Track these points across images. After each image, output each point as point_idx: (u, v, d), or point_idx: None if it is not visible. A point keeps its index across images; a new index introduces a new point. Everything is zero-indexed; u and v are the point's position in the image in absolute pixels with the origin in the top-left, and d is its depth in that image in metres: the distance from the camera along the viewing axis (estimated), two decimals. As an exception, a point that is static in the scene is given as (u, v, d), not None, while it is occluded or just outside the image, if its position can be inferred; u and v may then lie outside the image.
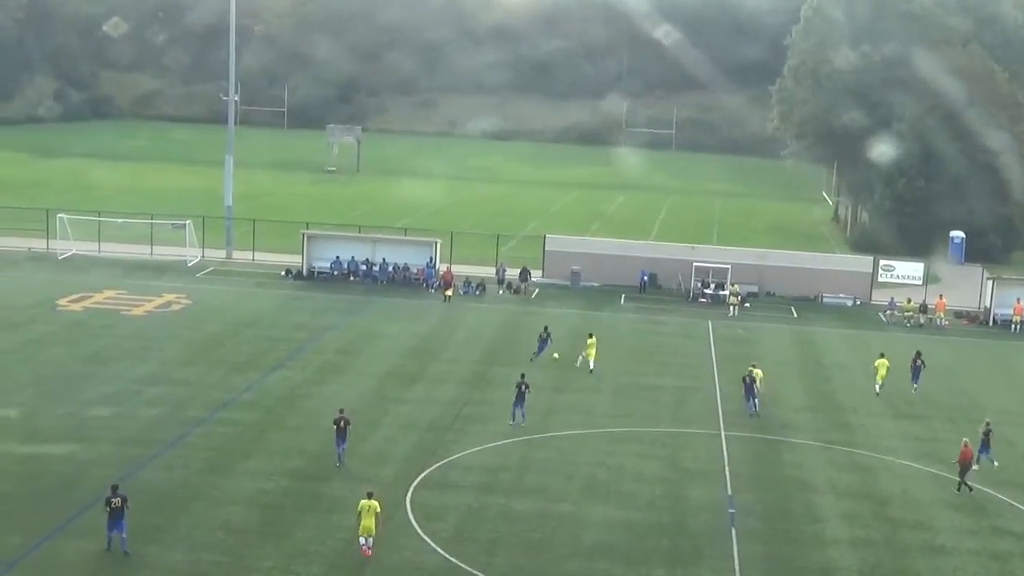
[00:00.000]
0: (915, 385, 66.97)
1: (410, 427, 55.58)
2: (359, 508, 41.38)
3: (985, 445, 53.67)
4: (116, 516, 40.35)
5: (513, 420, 56.83)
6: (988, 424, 54.68)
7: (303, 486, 47.39)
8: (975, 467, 52.31)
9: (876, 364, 66.80)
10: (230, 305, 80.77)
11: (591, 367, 67.00)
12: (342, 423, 50.06)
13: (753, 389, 60.63)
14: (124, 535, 40.37)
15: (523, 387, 57.15)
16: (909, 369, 67.39)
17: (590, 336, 68.50)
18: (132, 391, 58.95)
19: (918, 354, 67.89)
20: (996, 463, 53.59)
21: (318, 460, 50.22)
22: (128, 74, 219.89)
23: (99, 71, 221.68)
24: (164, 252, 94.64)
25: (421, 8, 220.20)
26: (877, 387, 65.98)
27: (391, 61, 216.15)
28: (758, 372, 62.16)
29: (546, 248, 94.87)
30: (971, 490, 50.83)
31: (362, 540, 41.25)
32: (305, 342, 71.15)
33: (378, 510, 41.32)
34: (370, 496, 41.53)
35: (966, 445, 51.22)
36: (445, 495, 47.21)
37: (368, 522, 40.98)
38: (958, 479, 50.96)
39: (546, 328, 70.94)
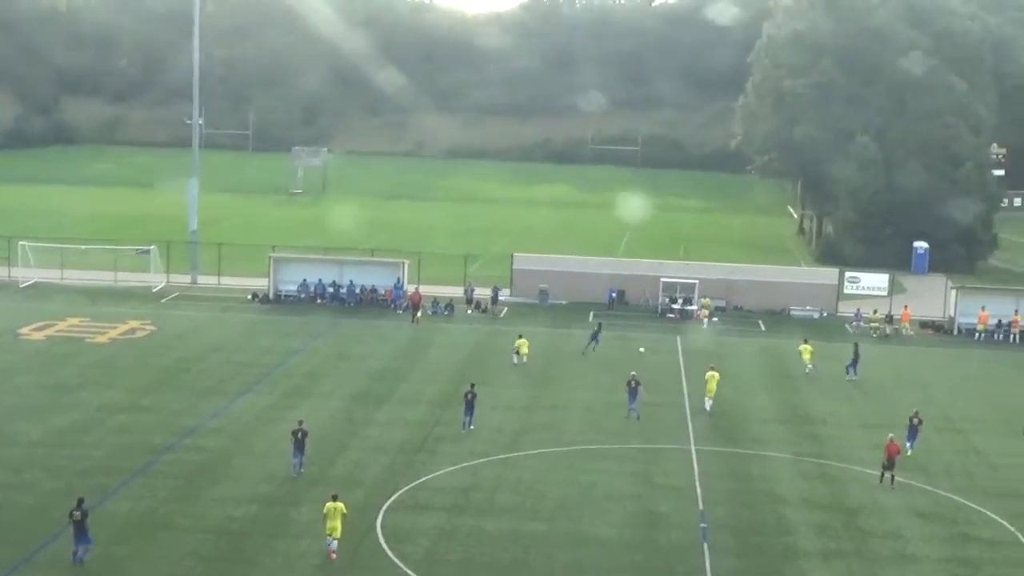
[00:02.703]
0: (852, 375, 71.98)
1: (380, 449, 55.38)
2: (325, 510, 42.81)
3: (912, 433, 57.60)
4: (78, 529, 41.08)
5: (463, 428, 58.42)
6: (917, 413, 58.45)
7: (272, 512, 47.12)
8: (908, 452, 56.22)
9: (800, 349, 74.23)
10: (196, 330, 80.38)
11: (519, 361, 72.83)
12: (299, 434, 51.10)
13: (637, 393, 62.06)
14: (79, 548, 41.19)
15: (470, 396, 58.76)
16: (849, 361, 72.54)
17: (520, 336, 74.12)
18: (97, 419, 58.56)
19: (856, 345, 73.65)
20: (910, 451, 56.46)
21: (286, 485, 49.98)
22: (90, 99, 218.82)
23: (61, 96, 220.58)
24: (128, 278, 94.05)
25: (385, 29, 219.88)
26: (807, 368, 73.16)
27: (356, 81, 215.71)
28: (714, 374, 64.49)
29: (514, 266, 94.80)
30: (892, 484, 52.34)
31: (328, 541, 42.44)
32: (272, 366, 70.85)
33: (344, 511, 42.76)
34: (335, 498, 43.06)
35: (891, 440, 53.23)
36: (416, 517, 47.00)
37: (334, 523, 42.48)
38: (880, 471, 52.87)
39: (600, 325, 79.49)
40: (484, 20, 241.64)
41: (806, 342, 75.03)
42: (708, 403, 63.90)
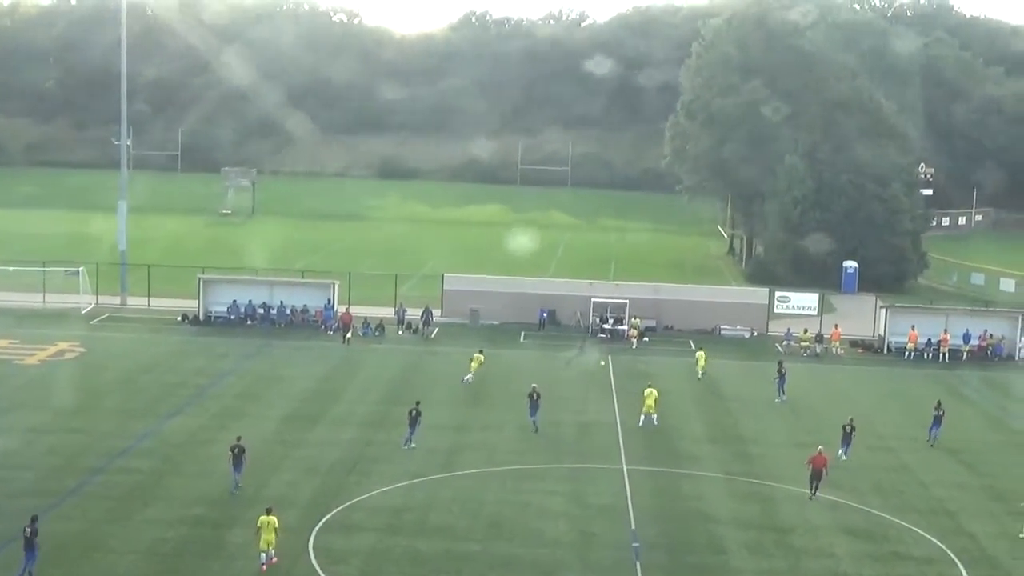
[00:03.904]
0: (781, 396, 72.42)
1: (312, 470, 55.18)
2: (259, 523, 43.46)
3: (846, 440, 60.08)
4: (27, 546, 41.40)
5: (406, 444, 58.85)
6: (851, 420, 60.77)
7: (204, 533, 46.82)
8: (843, 458, 58.95)
9: (696, 356, 77.98)
10: (126, 352, 79.74)
11: (468, 378, 72.82)
12: (236, 450, 51.68)
13: (537, 405, 63.35)
14: (30, 564, 41.39)
15: (414, 413, 59.33)
16: (774, 380, 73.04)
17: (480, 352, 74.60)
18: (26, 442, 57.98)
19: (780, 364, 74.21)
20: (845, 457, 59.31)
21: (219, 507, 49.69)
22: (17, 119, 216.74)
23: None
24: (57, 300, 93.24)
25: (314, 48, 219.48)
26: (699, 375, 76.85)
27: (285, 102, 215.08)
28: (652, 391, 65.45)
29: (445, 287, 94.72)
30: (814, 495, 53.56)
31: (263, 556, 43.04)
32: (203, 387, 70.44)
33: (276, 525, 43.41)
34: (269, 512, 43.79)
35: (820, 452, 54.37)
36: (349, 538, 46.88)
37: (269, 536, 43.16)
38: (810, 483, 53.91)
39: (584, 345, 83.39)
40: (413, 40, 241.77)
41: (700, 349, 79.27)
42: (642, 418, 64.66)
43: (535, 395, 63.69)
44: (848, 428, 60.25)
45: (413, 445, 58.80)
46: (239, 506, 49.55)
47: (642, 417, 64.73)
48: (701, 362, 77.51)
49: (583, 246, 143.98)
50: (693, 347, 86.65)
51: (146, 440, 59.17)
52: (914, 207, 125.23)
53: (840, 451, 59.19)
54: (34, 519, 42.26)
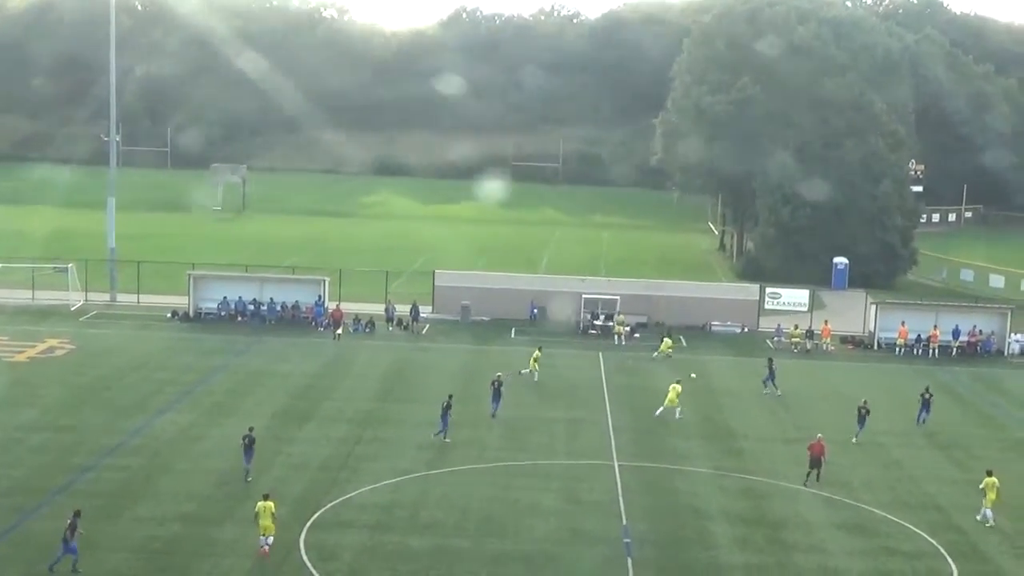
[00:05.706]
0: (773, 388, 72.99)
1: (303, 467, 55.11)
2: (256, 509, 44.23)
3: (861, 422, 62.98)
4: (65, 537, 42.03)
5: (445, 436, 59.73)
6: (865, 403, 63.50)
7: (194, 531, 46.70)
8: (856, 440, 62.21)
9: (663, 343, 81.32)
10: (115, 348, 79.55)
11: (535, 378, 73.14)
12: (247, 440, 52.65)
13: (499, 394, 64.72)
14: (63, 555, 42.14)
15: (446, 404, 60.28)
16: (764, 379, 73.55)
17: (539, 349, 75.11)
18: (15, 439, 57.81)
19: (770, 360, 74.81)
20: (855, 440, 62.35)
21: (209, 504, 49.59)
22: (5, 116, 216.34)
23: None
24: (46, 296, 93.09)
25: (304, 45, 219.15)
26: (654, 355, 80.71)
27: (274, 99, 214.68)
28: (676, 387, 66.94)
29: (435, 283, 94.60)
30: (817, 480, 54.80)
31: (261, 539, 43.72)
32: (193, 384, 70.27)
33: (273, 510, 44.14)
34: (266, 497, 44.56)
35: (819, 439, 55.80)
36: (339, 534, 46.79)
37: (266, 522, 43.90)
38: (809, 470, 55.10)
39: (670, 331, 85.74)
40: (404, 37, 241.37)
41: (667, 336, 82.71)
42: (677, 413, 66.06)
43: (497, 383, 64.92)
44: (863, 411, 62.62)
45: (448, 440, 59.49)
46: (229, 503, 49.47)
47: (676, 410, 66.04)
48: (664, 347, 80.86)
49: (574, 242, 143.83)
50: (684, 343, 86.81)
51: (136, 437, 59.03)
52: (905, 204, 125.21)
53: (857, 431, 62.41)
54: (76, 514, 42.87)
